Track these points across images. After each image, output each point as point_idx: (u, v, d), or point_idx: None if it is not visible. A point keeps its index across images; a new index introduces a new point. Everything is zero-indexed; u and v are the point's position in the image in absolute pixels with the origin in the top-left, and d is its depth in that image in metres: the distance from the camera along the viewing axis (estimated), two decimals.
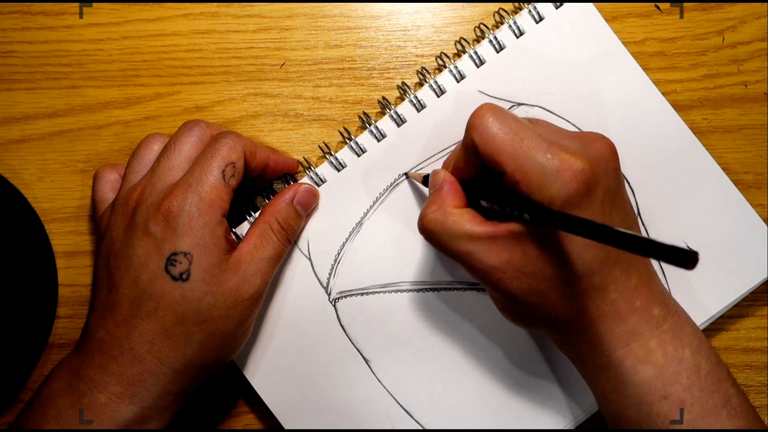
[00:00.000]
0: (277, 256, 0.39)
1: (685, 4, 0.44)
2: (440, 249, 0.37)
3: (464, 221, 0.35)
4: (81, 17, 0.44)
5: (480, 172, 0.37)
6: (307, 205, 0.42)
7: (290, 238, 0.41)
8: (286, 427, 0.42)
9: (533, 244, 0.34)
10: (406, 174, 0.42)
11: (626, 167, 0.42)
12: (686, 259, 0.26)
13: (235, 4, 0.44)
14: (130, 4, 0.44)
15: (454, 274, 0.42)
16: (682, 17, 0.44)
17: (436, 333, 0.42)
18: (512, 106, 0.42)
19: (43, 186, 0.45)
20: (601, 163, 0.34)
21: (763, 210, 0.44)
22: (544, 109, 0.42)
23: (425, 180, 0.40)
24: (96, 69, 0.44)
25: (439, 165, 0.42)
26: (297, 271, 0.42)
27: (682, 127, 0.42)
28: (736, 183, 0.43)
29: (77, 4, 0.44)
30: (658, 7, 0.44)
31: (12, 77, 0.44)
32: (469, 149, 0.36)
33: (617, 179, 0.36)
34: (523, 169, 0.33)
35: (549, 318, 0.36)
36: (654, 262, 0.39)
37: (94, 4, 0.44)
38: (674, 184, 0.42)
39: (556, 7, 0.42)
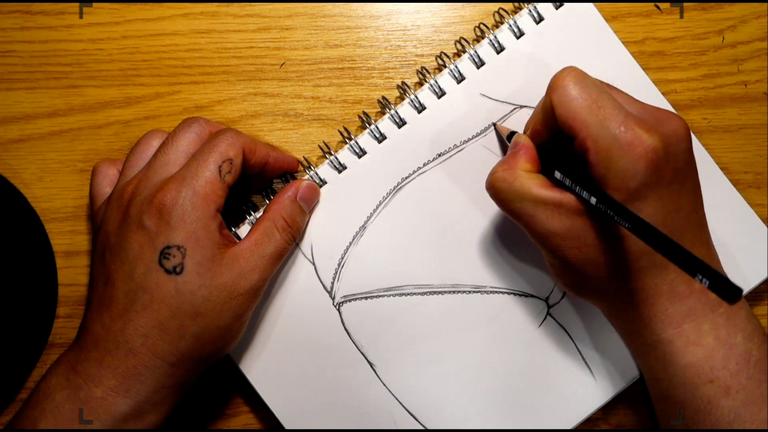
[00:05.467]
0: (279, 253, 0.39)
1: (685, 4, 0.44)
2: (503, 207, 0.37)
3: (532, 184, 0.36)
4: (81, 17, 0.44)
5: (555, 137, 0.37)
6: (310, 201, 0.41)
7: (295, 235, 0.40)
8: (287, 427, 0.42)
9: (598, 217, 0.34)
10: (494, 124, 0.42)
11: None
12: (730, 292, 0.26)
13: (235, 3, 0.44)
14: (130, 3, 0.44)
15: (459, 277, 0.42)
16: (682, 17, 0.44)
17: (441, 336, 0.42)
18: (514, 109, 0.42)
19: (42, 186, 0.45)
20: (673, 143, 0.34)
21: (762, 210, 0.44)
22: None
23: (509, 137, 0.40)
24: (96, 69, 0.44)
25: (441, 170, 0.42)
26: (301, 275, 0.42)
27: None
28: (736, 183, 0.43)
29: (77, 4, 0.44)
30: (658, 7, 0.44)
31: (12, 77, 0.44)
32: (546, 110, 0.36)
33: (689, 161, 0.36)
34: (594, 138, 0.33)
35: (604, 290, 0.36)
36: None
37: (94, 4, 0.44)
38: None
39: (556, 8, 0.42)
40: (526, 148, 0.38)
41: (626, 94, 0.37)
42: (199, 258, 0.36)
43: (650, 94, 0.42)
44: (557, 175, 0.36)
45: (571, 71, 0.35)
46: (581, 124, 0.34)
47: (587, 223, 0.34)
